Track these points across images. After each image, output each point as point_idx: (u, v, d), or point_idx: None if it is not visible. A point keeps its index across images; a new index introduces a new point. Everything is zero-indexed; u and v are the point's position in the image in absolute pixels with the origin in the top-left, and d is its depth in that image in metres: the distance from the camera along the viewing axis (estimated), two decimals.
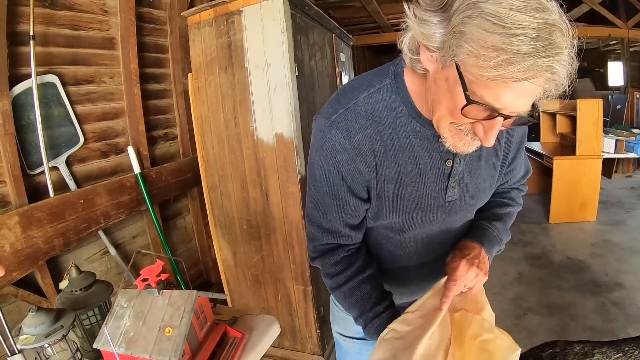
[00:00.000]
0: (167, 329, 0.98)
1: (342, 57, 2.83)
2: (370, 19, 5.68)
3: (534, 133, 7.03)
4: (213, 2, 1.96)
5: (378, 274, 0.97)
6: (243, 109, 2.03)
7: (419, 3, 0.67)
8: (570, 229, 4.24)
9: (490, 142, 0.67)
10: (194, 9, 2.04)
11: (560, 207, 4.37)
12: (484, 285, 0.92)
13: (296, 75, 1.91)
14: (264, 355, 2.38)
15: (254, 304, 2.36)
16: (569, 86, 0.64)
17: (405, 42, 0.73)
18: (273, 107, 1.95)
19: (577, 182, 4.28)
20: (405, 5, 0.70)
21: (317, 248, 0.96)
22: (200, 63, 2.09)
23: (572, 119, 4.41)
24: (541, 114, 5.27)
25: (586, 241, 3.94)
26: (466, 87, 0.62)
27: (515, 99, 0.61)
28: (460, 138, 0.72)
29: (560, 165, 4.27)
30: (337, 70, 2.64)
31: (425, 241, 0.97)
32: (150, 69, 2.56)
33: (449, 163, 0.84)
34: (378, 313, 0.90)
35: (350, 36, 3.11)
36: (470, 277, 0.85)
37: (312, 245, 0.97)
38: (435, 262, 1.02)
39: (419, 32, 0.67)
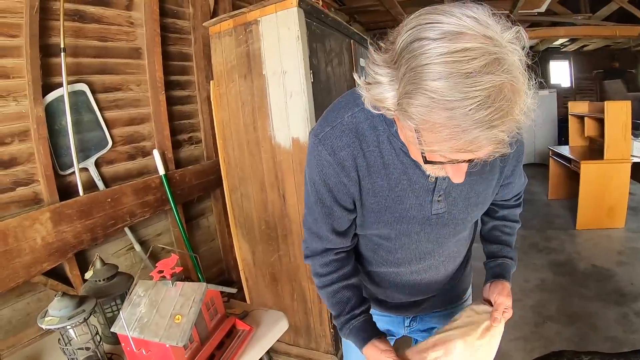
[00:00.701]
0: (177, 317, 1.07)
1: (362, 62, 2.88)
2: (395, 23, 5.69)
3: (563, 137, 6.87)
4: (232, 13, 2.05)
5: (360, 284, 1.07)
6: (261, 114, 2.11)
7: (374, 58, 0.68)
8: (597, 236, 4.12)
9: (460, 180, 0.72)
10: (214, 19, 2.14)
11: (587, 213, 4.27)
12: None
13: (312, 82, 1.97)
14: (281, 352, 2.47)
15: (271, 302, 2.44)
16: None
17: (367, 103, 0.74)
18: (289, 113, 2.02)
19: (605, 187, 4.16)
20: (355, 75, 0.74)
21: (310, 249, 1.04)
22: (221, 71, 2.19)
23: (601, 122, 4.29)
24: (569, 117, 5.14)
25: (613, 249, 3.83)
26: (424, 150, 0.65)
27: (472, 156, 0.63)
28: (438, 171, 0.77)
29: (588, 170, 4.16)
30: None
31: (416, 251, 1.01)
32: (176, 76, 2.69)
33: (432, 179, 0.87)
34: (354, 316, 0.99)
35: (372, 41, 3.15)
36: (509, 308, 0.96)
37: (305, 245, 1.05)
38: (427, 271, 1.07)
39: (372, 98, 0.69)
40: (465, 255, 1.15)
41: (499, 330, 0.95)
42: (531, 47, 8.62)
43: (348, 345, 1.26)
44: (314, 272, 1.05)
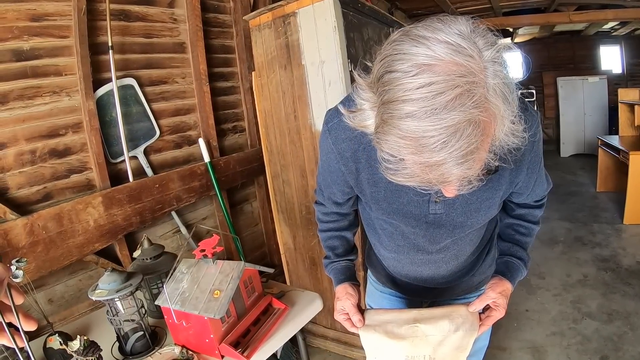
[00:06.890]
0: (215, 292, 1.16)
1: None
2: (437, 8, 5.60)
3: (614, 126, 6.55)
4: (270, 6, 2.11)
5: (351, 239, 1.23)
6: (301, 103, 2.17)
7: (359, 82, 0.67)
8: None
9: (451, 195, 0.70)
10: (254, 12, 2.21)
11: (635, 207, 4.07)
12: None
13: (350, 71, 2.00)
14: (318, 335, 2.55)
15: (311, 285, 2.51)
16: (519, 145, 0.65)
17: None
18: (328, 102, 2.06)
19: None
20: (340, 105, 0.78)
21: (317, 198, 1.19)
22: (262, 62, 2.27)
23: None
24: (619, 105, 4.90)
25: None
26: (399, 182, 0.66)
27: (443, 186, 0.64)
28: None
29: (637, 161, 3.96)
30: None
31: (412, 243, 1.05)
32: (219, 68, 2.80)
33: None
34: (337, 261, 1.17)
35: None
36: (501, 306, 0.98)
37: (315, 193, 1.19)
38: (426, 264, 1.10)
39: (357, 125, 0.71)
40: (476, 253, 1.15)
41: (470, 325, 0.95)
42: (579, 32, 8.09)
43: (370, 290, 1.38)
44: (317, 217, 1.23)
